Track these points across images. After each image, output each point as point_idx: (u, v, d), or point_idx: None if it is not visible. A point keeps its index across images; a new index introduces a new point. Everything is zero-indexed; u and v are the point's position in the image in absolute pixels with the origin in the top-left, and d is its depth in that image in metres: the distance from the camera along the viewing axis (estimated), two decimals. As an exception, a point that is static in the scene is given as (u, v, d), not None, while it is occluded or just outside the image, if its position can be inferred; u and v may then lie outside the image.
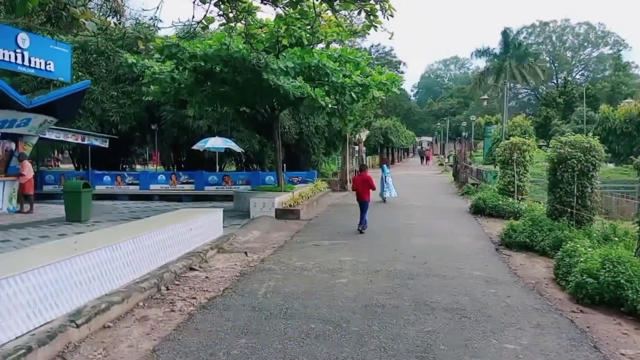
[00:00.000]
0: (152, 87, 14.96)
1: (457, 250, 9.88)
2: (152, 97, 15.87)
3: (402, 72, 64.45)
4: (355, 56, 16.22)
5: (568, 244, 8.00)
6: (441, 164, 56.54)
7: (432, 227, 12.81)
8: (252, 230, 11.92)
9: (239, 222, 13.30)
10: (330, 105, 14.53)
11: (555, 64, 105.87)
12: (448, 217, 14.71)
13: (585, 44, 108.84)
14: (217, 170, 24.39)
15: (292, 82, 13.70)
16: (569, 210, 10.23)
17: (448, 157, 64.11)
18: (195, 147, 20.46)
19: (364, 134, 37.50)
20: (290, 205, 14.66)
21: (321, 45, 15.86)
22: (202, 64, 13.50)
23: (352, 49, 17.73)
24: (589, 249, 7.66)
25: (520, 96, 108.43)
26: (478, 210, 15.34)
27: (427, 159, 60.78)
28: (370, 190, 12.75)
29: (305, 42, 13.76)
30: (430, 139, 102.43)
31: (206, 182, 22.35)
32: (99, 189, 21.16)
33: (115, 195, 21.03)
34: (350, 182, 24.97)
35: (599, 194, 10.42)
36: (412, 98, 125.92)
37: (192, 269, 7.98)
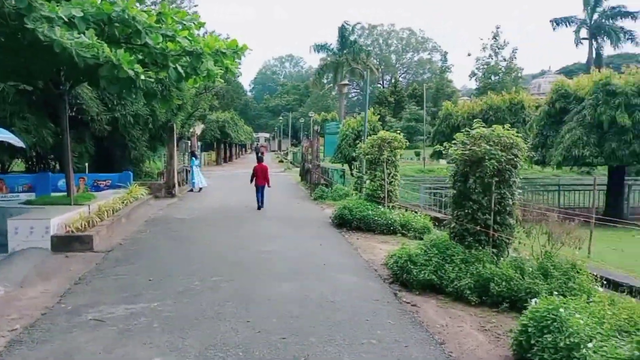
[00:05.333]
0: None
1: (344, 308, 6.23)
2: None
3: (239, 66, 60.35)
4: (183, 18, 11.64)
5: (541, 303, 4.86)
6: (281, 161, 54.06)
7: (296, 256, 9.05)
8: (-6, 282, 6.81)
9: (-19, 262, 7.95)
10: (143, 78, 9.82)
11: (382, 66, 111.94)
12: (311, 235, 11.14)
13: (408, 48, 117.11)
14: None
15: (78, 37, 8.75)
16: (485, 231, 7.37)
17: (286, 154, 62.09)
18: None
19: (198, 128, 32.63)
20: (78, 229, 9.62)
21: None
22: None
23: (177, 9, 13.08)
24: (581, 314, 4.61)
25: (350, 95, 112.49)
26: (343, 222, 12.11)
27: (263, 154, 57.67)
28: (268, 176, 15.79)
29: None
30: (267, 135, 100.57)
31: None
32: None
33: None
34: (179, 184, 20.18)
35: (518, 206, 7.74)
36: (249, 93, 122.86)
37: None
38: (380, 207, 12.03)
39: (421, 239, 10.79)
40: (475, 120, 8.14)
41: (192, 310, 5.96)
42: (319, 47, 62.59)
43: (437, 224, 11.99)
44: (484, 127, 7.83)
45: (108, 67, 9.42)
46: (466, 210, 7.52)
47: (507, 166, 7.34)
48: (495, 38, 49.13)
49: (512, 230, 7.57)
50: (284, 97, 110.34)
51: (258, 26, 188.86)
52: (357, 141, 18.21)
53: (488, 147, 7.27)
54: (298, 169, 31.46)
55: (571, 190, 21.47)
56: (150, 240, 10.38)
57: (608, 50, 54.02)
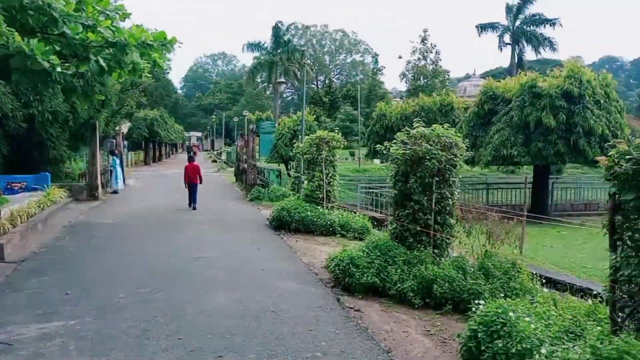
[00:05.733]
0: None
1: (286, 318, 5.85)
2: None
3: (169, 60, 58.17)
4: (106, 8, 10.76)
5: (489, 306, 4.72)
6: (214, 161, 52.69)
7: (233, 262, 8.55)
8: None
9: None
10: (60, 70, 8.89)
11: (316, 67, 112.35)
12: (248, 239, 10.65)
13: (341, 49, 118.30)
14: None
15: (-19, 23, 7.74)
16: (426, 231, 7.26)
17: (219, 153, 60.55)
18: None
19: (124, 126, 30.94)
20: (-15, 238, 8.57)
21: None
22: None
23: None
24: (530, 317, 4.51)
25: (285, 95, 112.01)
26: (281, 224, 11.70)
27: (195, 154, 55.98)
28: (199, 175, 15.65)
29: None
30: (199, 134, 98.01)
31: None
32: None
33: None
34: (102, 186, 18.92)
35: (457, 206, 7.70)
36: (180, 91, 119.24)
37: None
38: (319, 208, 11.75)
39: (361, 239, 10.68)
40: (415, 120, 8.04)
41: (116, 328, 5.34)
42: (253, 46, 61.59)
43: (375, 223, 11.91)
44: (423, 126, 7.77)
45: (20, 58, 8.36)
46: (407, 210, 7.39)
47: (447, 166, 7.29)
48: (424, 42, 50.52)
49: (452, 230, 7.54)
50: (216, 95, 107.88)
51: (190, 22, 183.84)
52: (294, 140, 17.86)
53: (429, 146, 7.18)
54: (232, 169, 30.66)
55: (497, 189, 22.31)
56: (69, 249, 9.46)
57: (530, 55, 57.09)
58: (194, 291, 6.75)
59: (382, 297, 6.74)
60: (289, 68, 59.72)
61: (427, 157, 7.11)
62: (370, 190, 18.90)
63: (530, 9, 54.36)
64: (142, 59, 10.32)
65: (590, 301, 5.35)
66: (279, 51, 61.45)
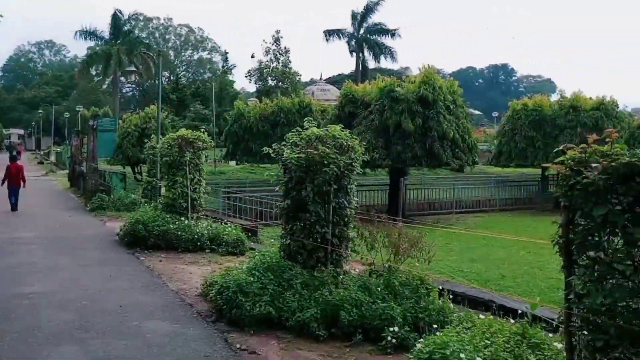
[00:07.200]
0: None
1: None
2: None
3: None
4: None
5: (426, 341, 3.90)
6: (41, 163, 46.01)
7: (77, 297, 6.61)
8: None
9: None
10: None
11: (160, 62, 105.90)
12: (95, 262, 8.62)
13: (187, 45, 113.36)
14: None
15: None
16: (324, 246, 6.33)
17: (47, 154, 52.98)
18: None
19: None
20: None
21: None
22: None
23: None
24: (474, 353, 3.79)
25: (124, 91, 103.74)
26: (136, 239, 9.82)
27: (19, 153, 48.45)
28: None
29: None
30: (21, 131, 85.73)
31: None
32: None
33: None
34: None
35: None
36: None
37: None
38: (183, 219, 10.13)
39: (235, 254, 9.42)
40: (305, 119, 7.10)
41: None
42: (87, 34, 55.34)
43: (249, 234, 10.69)
44: (315, 126, 6.85)
45: None
46: (303, 223, 6.38)
47: (345, 171, 6.45)
48: (276, 43, 50.31)
49: (349, 243, 6.73)
50: (43, 88, 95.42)
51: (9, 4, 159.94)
52: (146, 140, 15.72)
53: (327, 149, 6.25)
54: (66, 172, 26.60)
55: (358, 190, 22.53)
56: None
57: (374, 63, 60.27)
58: (20, 346, 4.86)
59: (279, 330, 5.62)
60: (127, 60, 54.76)
61: (325, 162, 6.17)
62: (232, 195, 17.55)
63: (373, 18, 57.38)
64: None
65: (504, 318, 4.99)
66: (118, 42, 56.15)
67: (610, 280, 3.33)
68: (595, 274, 3.43)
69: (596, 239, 3.48)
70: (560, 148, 3.86)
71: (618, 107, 22.10)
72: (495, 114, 57.16)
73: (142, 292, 6.90)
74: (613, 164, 3.28)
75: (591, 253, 3.48)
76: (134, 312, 6.02)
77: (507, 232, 15.79)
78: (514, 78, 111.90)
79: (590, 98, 21.50)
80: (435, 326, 5.20)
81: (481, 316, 5.27)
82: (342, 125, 6.91)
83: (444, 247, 13.39)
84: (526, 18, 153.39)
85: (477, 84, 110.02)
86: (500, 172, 28.10)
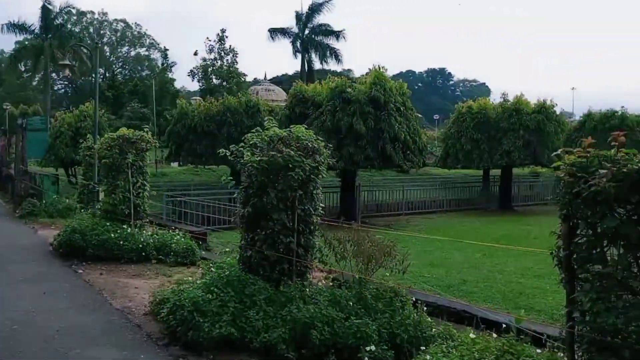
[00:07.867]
0: None
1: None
2: None
3: None
4: None
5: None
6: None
7: (9, 319, 5.72)
8: None
9: None
10: None
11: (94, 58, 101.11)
12: (26, 277, 7.63)
13: (123, 42, 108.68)
14: None
15: None
16: (289, 257, 5.84)
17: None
18: None
19: None
20: None
21: None
22: None
23: None
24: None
25: (56, 88, 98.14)
26: (73, 250, 8.90)
27: None
28: None
29: None
30: None
31: None
32: None
33: None
34: None
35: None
36: None
37: None
38: (125, 226, 9.27)
39: (185, 264, 8.71)
40: (267, 118, 6.58)
41: None
42: (15, 27, 51.56)
43: (199, 242, 9.96)
44: (276, 126, 6.35)
45: None
46: (265, 232, 5.85)
47: (311, 176, 5.99)
48: (221, 41, 49.04)
49: (315, 252, 6.28)
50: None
51: None
52: (81, 140, 14.53)
53: (291, 152, 5.76)
54: (-11, 175, 24.42)
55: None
56: None
57: (319, 64, 59.93)
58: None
59: (243, 353, 5.07)
60: (60, 56, 51.58)
61: (290, 166, 5.68)
62: (176, 200, 16.59)
63: (318, 18, 57.13)
64: None
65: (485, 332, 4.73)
66: (49, 36, 52.75)
67: (623, 297, 3.08)
68: (603, 291, 3.17)
69: (602, 251, 3.23)
70: (558, 152, 3.59)
71: (556, 111, 23.00)
72: (436, 116, 58.33)
73: (82, 312, 6.10)
74: (624, 169, 3.02)
75: (598, 267, 3.22)
76: (74, 337, 5.25)
77: (457, 234, 15.93)
78: (451, 82, 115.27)
79: (532, 103, 22.20)
80: (414, 342, 4.87)
81: (459, 331, 5.00)
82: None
83: (401, 250, 13.26)
84: (465, 21, 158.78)
85: (416, 87, 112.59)
86: (443, 174, 28.63)
